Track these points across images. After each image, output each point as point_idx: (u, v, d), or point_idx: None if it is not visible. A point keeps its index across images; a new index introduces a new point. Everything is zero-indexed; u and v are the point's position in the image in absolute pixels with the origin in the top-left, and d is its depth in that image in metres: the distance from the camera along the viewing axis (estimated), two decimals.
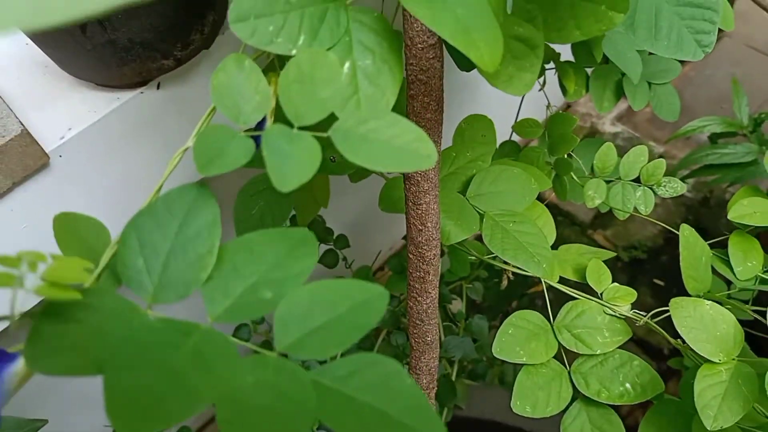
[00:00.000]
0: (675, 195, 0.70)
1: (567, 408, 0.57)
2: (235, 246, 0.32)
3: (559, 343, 0.59)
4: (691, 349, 0.51)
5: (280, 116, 0.32)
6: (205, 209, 0.32)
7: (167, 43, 0.62)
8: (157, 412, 0.24)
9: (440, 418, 0.43)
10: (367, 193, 0.93)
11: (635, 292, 0.60)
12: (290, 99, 0.31)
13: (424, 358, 0.59)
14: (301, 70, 0.32)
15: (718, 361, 0.51)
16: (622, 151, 0.70)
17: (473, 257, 0.66)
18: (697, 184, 1.63)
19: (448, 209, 0.56)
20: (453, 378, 0.88)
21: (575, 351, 0.58)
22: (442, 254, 0.92)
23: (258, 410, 0.26)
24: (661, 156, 1.72)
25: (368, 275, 0.97)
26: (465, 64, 0.58)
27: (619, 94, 0.82)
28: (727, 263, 0.61)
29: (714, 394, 0.49)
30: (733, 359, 0.51)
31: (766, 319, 0.51)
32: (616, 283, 0.61)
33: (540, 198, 0.67)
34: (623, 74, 0.78)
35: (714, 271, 0.62)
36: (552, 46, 0.74)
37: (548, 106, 0.79)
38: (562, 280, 0.63)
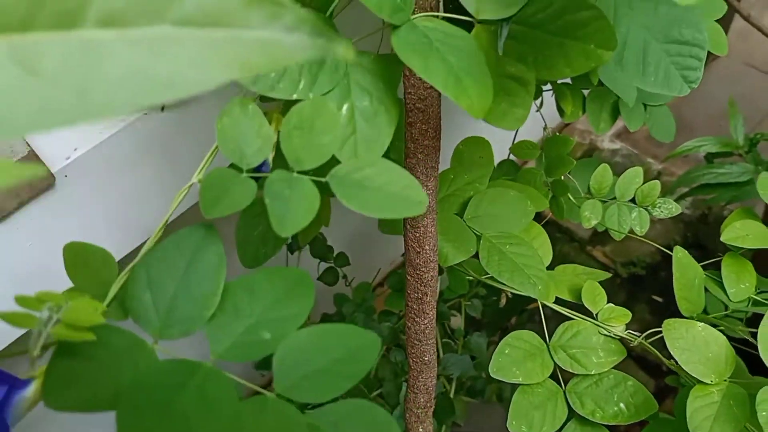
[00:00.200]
0: (669, 216, 0.71)
1: (562, 428, 0.58)
2: (237, 285, 0.33)
3: (555, 363, 0.60)
4: (684, 370, 0.52)
5: (280, 161, 0.34)
6: (212, 251, 0.33)
7: None
8: None
9: None
10: None
11: (630, 312, 0.61)
12: (291, 145, 0.33)
13: (422, 377, 0.60)
14: (302, 118, 0.33)
15: (710, 383, 0.51)
16: (621, 168, 0.71)
17: (471, 277, 0.67)
18: (695, 201, 1.64)
19: (445, 231, 0.57)
20: (451, 395, 0.89)
21: (571, 371, 0.59)
22: (441, 272, 0.93)
23: None
24: (659, 173, 1.74)
25: (368, 292, 0.98)
26: None
27: (616, 115, 0.83)
28: (721, 285, 0.62)
29: (706, 414, 0.50)
30: (725, 380, 0.52)
31: (757, 340, 0.51)
32: (611, 304, 0.62)
33: (540, 215, 0.68)
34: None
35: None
36: None
37: (545, 128, 0.80)
38: (559, 300, 0.64)
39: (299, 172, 0.33)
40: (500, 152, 0.84)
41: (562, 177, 0.74)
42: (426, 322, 0.56)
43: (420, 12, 0.38)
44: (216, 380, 0.28)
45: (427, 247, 0.52)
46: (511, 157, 0.85)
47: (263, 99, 0.37)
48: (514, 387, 0.61)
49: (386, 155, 0.42)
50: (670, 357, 0.56)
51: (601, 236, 1.65)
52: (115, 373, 0.27)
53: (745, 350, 0.61)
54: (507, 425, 0.57)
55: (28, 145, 0.61)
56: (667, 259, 1.66)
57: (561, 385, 0.60)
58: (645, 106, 0.82)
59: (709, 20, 0.70)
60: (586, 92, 0.83)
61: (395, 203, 0.32)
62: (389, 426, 0.29)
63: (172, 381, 0.28)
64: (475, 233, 0.59)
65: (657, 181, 0.71)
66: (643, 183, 0.73)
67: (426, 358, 0.58)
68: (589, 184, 0.74)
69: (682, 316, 0.59)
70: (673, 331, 0.54)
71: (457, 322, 1.03)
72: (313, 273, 0.99)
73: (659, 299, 1.49)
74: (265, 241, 0.63)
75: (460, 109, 0.32)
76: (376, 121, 0.35)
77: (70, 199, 0.66)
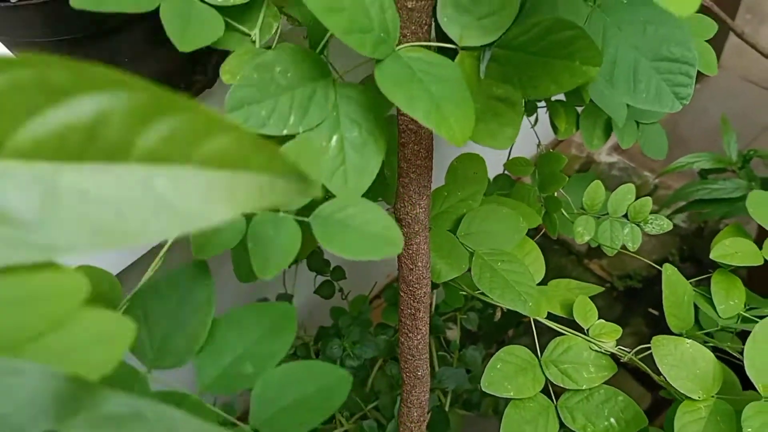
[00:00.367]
0: (662, 232, 0.72)
1: None
2: (226, 320, 0.35)
3: (547, 378, 0.60)
4: (672, 386, 0.53)
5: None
6: (202, 289, 0.35)
7: (173, 83, 0.65)
8: None
9: None
10: None
11: (620, 328, 0.62)
12: None
13: (415, 392, 0.61)
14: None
15: (697, 399, 0.52)
16: (617, 181, 0.73)
17: (464, 292, 0.68)
18: (691, 214, 1.65)
19: (438, 248, 0.58)
20: (447, 408, 0.90)
21: (562, 386, 0.60)
22: (437, 286, 0.94)
23: None
24: (656, 186, 1.75)
25: (365, 305, 0.99)
26: None
27: (609, 131, 0.84)
28: (711, 301, 0.63)
29: (693, 430, 0.51)
30: (712, 396, 0.53)
31: (743, 356, 0.52)
32: (602, 320, 0.62)
33: (537, 228, 0.69)
34: None
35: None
36: None
37: (539, 145, 0.81)
38: (553, 315, 0.65)
39: (284, 212, 0.34)
40: (496, 167, 0.85)
41: (555, 193, 0.75)
42: (419, 337, 0.57)
43: (411, 40, 0.39)
44: (200, 411, 0.30)
45: (420, 264, 0.53)
46: (507, 171, 0.86)
47: None
48: (509, 401, 0.62)
49: (381, 172, 0.44)
50: (658, 374, 0.57)
51: (597, 249, 1.65)
52: None
53: (738, 363, 0.61)
54: None
55: None
56: None
57: (552, 400, 0.61)
58: (638, 123, 0.83)
59: (700, 40, 0.71)
60: (579, 109, 0.85)
61: (374, 243, 0.34)
62: None
63: None
64: (468, 250, 0.59)
65: (648, 197, 0.72)
66: (639, 197, 0.75)
67: (419, 373, 0.59)
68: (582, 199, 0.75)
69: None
70: (661, 347, 0.55)
71: (454, 334, 1.04)
72: (310, 286, 1.00)
73: (655, 312, 1.49)
74: None
75: None
76: (365, 150, 0.36)
77: None
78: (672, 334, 0.59)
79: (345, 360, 0.88)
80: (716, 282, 0.63)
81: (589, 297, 0.64)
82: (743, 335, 0.64)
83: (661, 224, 0.72)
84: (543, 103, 0.80)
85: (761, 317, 0.58)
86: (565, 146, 1.88)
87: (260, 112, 0.34)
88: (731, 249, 0.61)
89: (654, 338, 0.56)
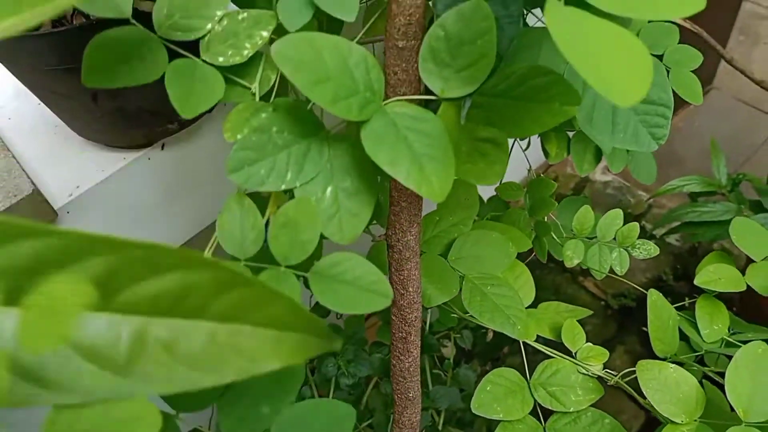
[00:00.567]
0: (649, 257, 0.74)
1: None
2: None
3: (535, 400, 0.62)
4: (656, 410, 0.55)
5: (267, 256, 0.38)
6: None
7: (173, 108, 0.66)
8: None
9: None
10: (359, 248, 0.97)
11: (607, 352, 0.63)
12: (279, 243, 0.38)
13: (407, 413, 0.62)
14: (288, 218, 0.38)
15: (680, 422, 0.54)
16: (612, 200, 0.74)
17: (455, 315, 0.70)
18: (684, 233, 1.67)
19: (429, 273, 0.59)
20: (440, 427, 0.91)
21: (550, 408, 0.62)
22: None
23: None
24: (650, 206, 1.77)
25: (360, 324, 1.01)
26: None
27: (599, 156, 0.86)
28: (695, 325, 0.64)
29: None
30: (695, 420, 0.54)
31: (724, 379, 0.54)
32: (589, 343, 0.64)
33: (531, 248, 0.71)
34: None
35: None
36: None
37: (529, 170, 0.83)
38: (542, 337, 0.67)
39: (286, 267, 0.37)
40: (489, 188, 0.87)
41: (546, 218, 0.77)
42: (410, 360, 0.58)
43: (401, 77, 0.41)
44: None
45: (411, 289, 0.54)
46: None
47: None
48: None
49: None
50: (644, 397, 0.58)
51: None
52: None
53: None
54: None
55: (32, 183, 0.64)
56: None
57: (541, 422, 0.62)
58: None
59: (686, 70, 0.73)
60: (571, 133, 0.86)
61: (366, 298, 0.37)
62: None
63: None
64: (458, 274, 0.61)
65: (636, 223, 0.74)
66: (633, 216, 0.76)
67: (410, 395, 0.60)
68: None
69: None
70: (646, 371, 0.56)
71: (449, 351, 1.05)
72: (306, 304, 1.01)
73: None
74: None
75: None
76: (358, 198, 0.39)
77: None
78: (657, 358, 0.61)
79: (340, 378, 0.89)
80: (701, 307, 0.65)
81: (585, 315, 0.66)
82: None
83: (648, 249, 0.74)
84: None
85: (745, 342, 0.59)
86: (561, 165, 1.90)
87: (259, 171, 0.36)
88: (715, 275, 0.63)
89: (639, 363, 0.57)
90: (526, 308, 0.67)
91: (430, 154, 0.34)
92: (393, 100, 0.38)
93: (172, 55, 0.44)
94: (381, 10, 0.47)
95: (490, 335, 1.10)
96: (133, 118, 0.64)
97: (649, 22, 0.69)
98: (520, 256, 0.67)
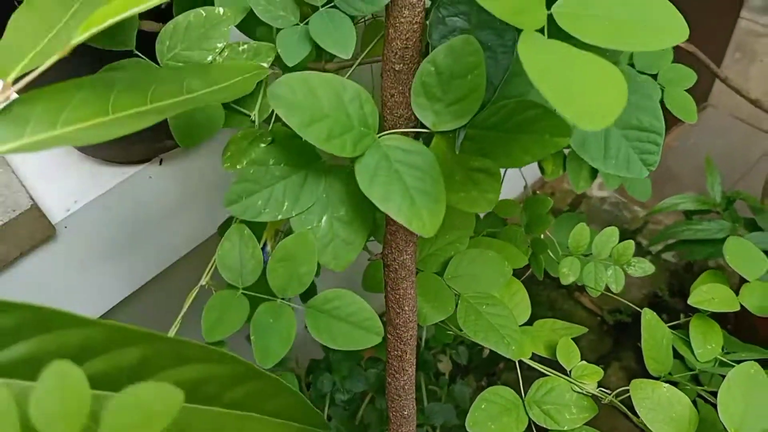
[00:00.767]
0: (644, 275, 0.74)
1: None
2: None
3: (530, 419, 0.62)
4: (649, 429, 0.55)
5: (264, 284, 0.39)
6: None
7: None
8: None
9: None
10: (355, 265, 0.97)
11: (602, 370, 0.63)
12: (277, 276, 0.39)
13: (402, 431, 0.62)
14: (286, 252, 0.39)
15: None
16: (608, 216, 0.75)
17: (450, 332, 0.70)
18: (680, 251, 1.68)
19: (425, 291, 0.60)
20: None
21: (545, 426, 0.62)
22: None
23: None
24: (646, 222, 1.78)
25: None
26: None
27: (595, 173, 0.87)
28: (689, 344, 0.65)
29: None
30: None
31: (717, 398, 0.54)
32: (584, 362, 0.64)
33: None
34: None
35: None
36: None
37: (525, 187, 0.84)
38: (537, 355, 0.67)
39: (283, 299, 0.38)
40: None
41: (542, 235, 0.77)
42: (405, 378, 0.59)
43: (398, 99, 0.42)
44: None
45: (406, 308, 0.55)
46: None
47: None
48: None
49: (373, 215, 0.46)
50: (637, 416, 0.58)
51: None
52: None
53: None
54: None
55: (31, 198, 0.64)
56: (653, 308, 1.69)
57: None
58: None
59: (680, 89, 0.74)
60: (566, 150, 0.87)
61: (357, 334, 0.38)
62: None
63: None
64: (454, 292, 0.61)
65: (631, 241, 0.74)
66: (630, 232, 0.77)
67: (405, 413, 0.61)
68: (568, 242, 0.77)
69: None
70: (640, 391, 0.57)
71: (445, 366, 1.05)
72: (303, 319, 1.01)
73: None
74: None
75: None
76: (352, 227, 0.40)
77: (69, 249, 0.69)
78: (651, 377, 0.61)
79: (335, 394, 0.90)
80: (695, 326, 0.65)
81: (581, 333, 0.66)
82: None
83: (644, 267, 0.75)
84: None
85: (738, 362, 0.60)
86: (558, 180, 1.91)
87: (256, 203, 0.37)
88: (708, 295, 0.64)
89: (633, 382, 0.57)
90: (522, 325, 0.67)
91: (421, 188, 0.35)
92: (387, 133, 0.39)
93: None
94: (380, 35, 0.48)
95: (486, 351, 1.10)
96: (133, 135, 0.65)
97: None
98: (517, 272, 0.68)
